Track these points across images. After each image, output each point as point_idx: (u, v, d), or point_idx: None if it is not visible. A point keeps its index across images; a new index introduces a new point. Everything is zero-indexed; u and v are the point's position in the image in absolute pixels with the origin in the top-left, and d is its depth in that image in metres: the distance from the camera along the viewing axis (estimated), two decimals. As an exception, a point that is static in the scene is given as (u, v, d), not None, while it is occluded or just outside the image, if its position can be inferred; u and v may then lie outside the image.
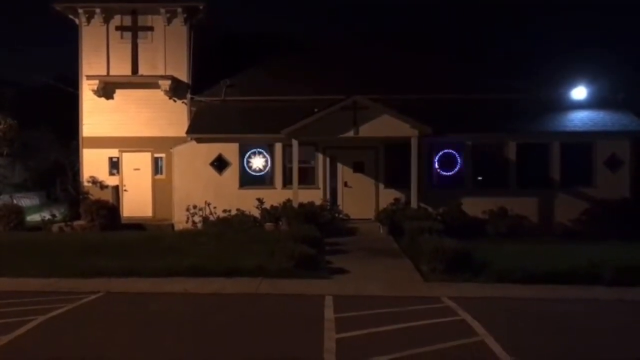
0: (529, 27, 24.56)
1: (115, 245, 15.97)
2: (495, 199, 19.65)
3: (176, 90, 22.04)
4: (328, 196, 20.55)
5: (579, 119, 20.91)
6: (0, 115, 26.10)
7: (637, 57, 25.56)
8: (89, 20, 22.17)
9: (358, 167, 20.84)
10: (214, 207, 20.18)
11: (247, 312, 10.21)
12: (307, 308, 10.39)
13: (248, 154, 20.97)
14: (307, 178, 20.59)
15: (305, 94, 21.19)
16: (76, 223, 20.51)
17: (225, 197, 20.32)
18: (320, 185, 20.68)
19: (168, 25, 22.21)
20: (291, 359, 7.71)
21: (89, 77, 21.95)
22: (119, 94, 22.23)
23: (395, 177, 20.33)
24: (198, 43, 22.54)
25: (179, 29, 22.23)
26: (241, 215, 19.60)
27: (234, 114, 21.47)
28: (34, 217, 22.35)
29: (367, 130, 19.15)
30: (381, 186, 20.62)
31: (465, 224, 18.30)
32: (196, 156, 20.74)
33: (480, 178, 20.50)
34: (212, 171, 20.70)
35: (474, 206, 19.42)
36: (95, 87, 21.90)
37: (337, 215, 19.77)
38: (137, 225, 20.45)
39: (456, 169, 20.67)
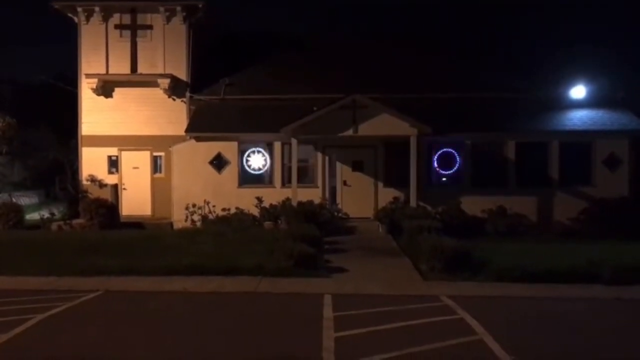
0: (528, 26, 24.55)
1: (114, 244, 15.97)
2: (494, 197, 19.67)
3: (175, 88, 22.04)
4: (327, 195, 20.56)
5: (578, 118, 20.92)
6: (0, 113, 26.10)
7: (637, 57, 25.61)
8: (88, 19, 22.15)
9: (357, 166, 20.84)
10: (213, 206, 20.18)
11: (246, 310, 10.21)
12: (306, 307, 10.39)
13: (247, 152, 20.97)
14: (306, 177, 20.62)
15: (304, 92, 21.18)
16: (75, 222, 20.52)
17: (224, 195, 20.32)
18: (320, 184, 20.68)
19: (167, 23, 22.19)
20: (290, 357, 7.71)
21: (88, 76, 21.94)
22: (118, 92, 22.22)
23: (395, 176, 20.34)
24: (197, 42, 22.53)
25: (178, 28, 22.22)
26: (240, 214, 19.60)
27: (233, 113, 21.46)
28: (33, 216, 22.36)
29: (367, 129, 19.15)
30: (380, 185, 20.62)
31: (465, 223, 18.31)
32: (195, 155, 20.74)
33: (479, 177, 20.48)
34: (211, 170, 20.70)
35: (473, 205, 19.43)
36: (94, 86, 21.89)
37: (336, 214, 19.78)
38: (136, 224, 20.47)
39: (455, 168, 20.67)
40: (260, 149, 20.99)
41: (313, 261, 13.52)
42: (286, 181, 20.38)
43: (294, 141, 19.34)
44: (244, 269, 12.93)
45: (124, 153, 22.24)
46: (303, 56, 23.53)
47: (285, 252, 13.38)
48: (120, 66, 22.16)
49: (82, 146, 22.34)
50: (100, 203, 20.19)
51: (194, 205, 20.24)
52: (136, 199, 22.05)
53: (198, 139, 20.76)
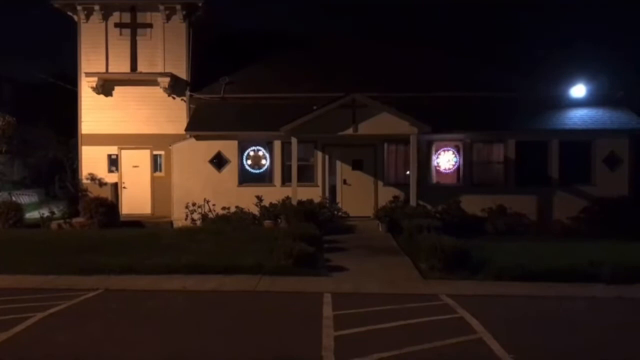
0: (528, 25, 24.53)
1: (114, 243, 15.98)
2: (494, 196, 19.67)
3: (175, 87, 22.03)
4: (327, 194, 20.55)
5: (578, 117, 20.91)
6: (-1, 112, 26.08)
7: (637, 55, 25.58)
8: (87, 17, 22.13)
9: (357, 165, 20.83)
10: (213, 205, 20.18)
11: (246, 309, 10.22)
12: (305, 305, 10.40)
13: (247, 151, 20.97)
14: (306, 175, 20.58)
15: (304, 91, 21.17)
16: (75, 220, 20.52)
17: (224, 194, 20.33)
18: (320, 182, 20.68)
19: (167, 22, 22.18)
20: (289, 356, 7.71)
21: (87, 74, 21.93)
22: (117, 91, 22.21)
23: (395, 175, 20.33)
24: (197, 40, 22.52)
25: (178, 26, 22.21)
26: (240, 213, 19.61)
27: (233, 112, 21.45)
28: (33, 214, 22.34)
29: (367, 127, 19.15)
30: (380, 184, 20.62)
31: (464, 222, 18.34)
32: (195, 153, 20.73)
33: (479, 176, 20.47)
34: (211, 168, 20.70)
35: (473, 204, 19.45)
36: (94, 84, 21.88)
37: (336, 212, 19.77)
38: (136, 223, 20.47)
39: (455, 167, 20.67)
40: (260, 148, 20.98)
41: (313, 260, 13.53)
42: (286, 180, 20.37)
43: (294, 140, 19.33)
44: (244, 267, 12.94)
45: (123, 152, 22.23)
46: (303, 55, 23.51)
47: (285, 250, 13.39)
48: (120, 65, 22.15)
49: (82, 145, 22.32)
50: (100, 202, 20.20)
51: (194, 204, 20.24)
52: (136, 197, 22.05)
53: (198, 138, 20.76)
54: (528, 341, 8.37)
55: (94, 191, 21.54)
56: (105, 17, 22.15)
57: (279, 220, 19.04)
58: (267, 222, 19.27)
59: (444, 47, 23.45)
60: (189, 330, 8.80)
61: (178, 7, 21.94)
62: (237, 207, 19.84)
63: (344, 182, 20.83)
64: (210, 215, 19.94)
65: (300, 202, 18.93)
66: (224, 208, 19.88)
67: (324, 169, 20.75)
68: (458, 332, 8.63)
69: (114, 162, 22.29)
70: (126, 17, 22.29)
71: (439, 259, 12.97)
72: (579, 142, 20.30)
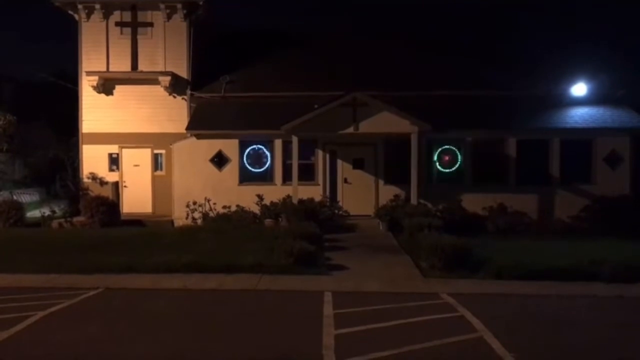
0: (529, 24, 24.49)
1: (115, 242, 15.99)
2: (494, 195, 19.65)
3: (176, 86, 22.03)
4: (328, 192, 20.56)
5: (579, 116, 20.89)
6: (0, 111, 26.09)
7: (638, 54, 25.55)
8: (88, 16, 22.13)
9: (358, 164, 20.84)
10: (214, 204, 20.19)
11: (247, 308, 10.22)
12: (306, 304, 10.40)
13: (248, 150, 20.97)
14: (307, 174, 20.57)
15: (305, 90, 21.14)
16: (76, 219, 20.53)
17: (225, 193, 20.34)
18: (320, 181, 20.68)
19: (168, 21, 22.17)
20: (290, 355, 7.71)
21: (88, 73, 21.93)
22: (118, 90, 22.21)
23: (395, 174, 20.33)
24: (198, 39, 22.51)
25: (179, 25, 22.20)
26: (241, 212, 19.61)
27: (233, 110, 21.46)
28: (33, 213, 22.36)
29: (367, 126, 19.14)
30: (381, 182, 20.63)
31: (465, 221, 18.31)
32: (196, 152, 20.74)
33: (480, 175, 20.44)
34: (212, 167, 20.70)
35: (474, 203, 19.44)
36: (94, 83, 21.89)
37: (336, 211, 19.78)
38: (137, 222, 20.47)
39: (456, 166, 20.65)
40: (261, 147, 20.98)
41: (313, 259, 13.53)
42: (287, 179, 20.37)
43: (294, 138, 19.33)
44: (245, 266, 12.95)
45: (124, 151, 22.24)
46: (304, 54, 23.49)
47: (285, 249, 13.39)
48: (120, 64, 22.15)
49: (82, 144, 22.33)
50: (101, 201, 20.22)
51: (194, 203, 20.25)
52: (137, 196, 22.06)
53: (199, 137, 20.76)
54: (529, 340, 8.37)
55: (95, 190, 21.55)
56: (106, 16, 22.15)
57: (280, 219, 19.04)
58: (267, 221, 19.27)
59: (445, 46, 23.44)
60: (190, 329, 8.80)
61: (179, 6, 21.94)
62: (237, 205, 19.84)
63: (345, 180, 20.84)
64: (211, 214, 19.95)
65: (300, 201, 18.94)
66: (224, 207, 19.89)
67: (324, 168, 20.75)
68: (459, 331, 8.63)
69: (114, 161, 22.30)
70: (127, 16, 22.29)
71: (439, 257, 12.97)
72: (580, 140, 20.27)
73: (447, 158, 20.67)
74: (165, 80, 21.75)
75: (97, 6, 21.92)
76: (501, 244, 15.60)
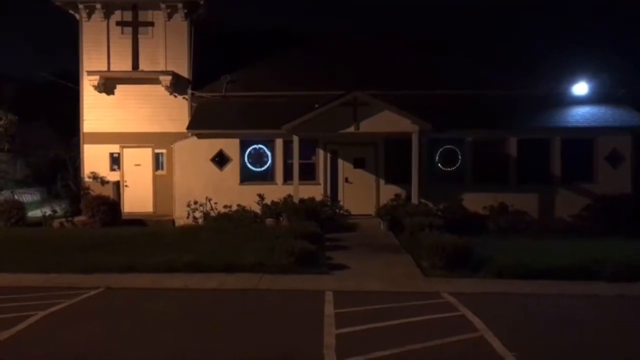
0: (530, 23, 24.47)
1: (116, 241, 15.99)
2: (495, 194, 19.65)
3: (177, 85, 22.04)
4: (329, 192, 20.56)
5: (580, 115, 20.87)
6: (1, 111, 26.12)
7: (638, 53, 25.50)
8: (89, 16, 22.14)
9: (359, 163, 20.84)
10: (215, 203, 20.19)
11: (247, 307, 10.22)
12: (307, 304, 10.40)
13: (249, 149, 20.97)
14: (307, 174, 20.58)
15: (305, 89, 21.14)
16: (77, 219, 20.55)
17: (226, 192, 20.34)
18: (321, 181, 20.69)
19: (168, 20, 22.18)
20: (291, 354, 7.70)
21: (89, 73, 21.95)
22: (119, 89, 22.22)
23: (396, 173, 20.33)
24: (198, 39, 22.52)
25: (180, 25, 22.21)
26: (242, 211, 19.62)
27: (234, 110, 21.46)
28: (35, 213, 22.37)
29: (368, 126, 19.13)
30: (382, 182, 20.62)
31: (466, 220, 18.30)
32: (197, 152, 20.75)
33: (481, 174, 20.42)
34: (213, 167, 20.71)
35: (475, 202, 19.44)
36: (95, 83, 21.90)
37: (337, 211, 19.79)
38: (138, 221, 20.48)
39: (457, 165, 20.64)
40: (262, 146, 20.99)
41: (314, 258, 13.52)
42: (288, 178, 20.37)
43: (295, 138, 19.33)
44: (245, 266, 12.95)
45: (125, 150, 22.24)
46: (304, 53, 23.50)
47: (286, 249, 13.38)
48: (121, 63, 22.15)
49: (83, 143, 22.34)
50: (102, 200, 20.24)
51: (195, 202, 20.26)
52: (138, 196, 22.06)
53: (200, 136, 20.77)
54: (529, 339, 8.36)
55: (96, 190, 21.58)
56: (107, 16, 22.16)
57: (281, 219, 19.04)
58: (268, 220, 19.27)
59: (446, 45, 23.45)
60: (191, 329, 8.80)
61: (179, 5, 21.95)
62: (238, 205, 19.85)
63: (346, 180, 20.84)
64: (212, 214, 19.96)
65: (301, 201, 18.94)
66: (225, 206, 19.90)
67: (325, 167, 20.76)
68: (459, 330, 8.62)
69: (115, 161, 22.31)
70: (128, 16, 22.30)
71: (440, 257, 12.96)
72: (581, 139, 20.26)
73: (448, 157, 20.64)
74: (166, 79, 21.76)
75: (98, 6, 21.93)
76: (502, 243, 15.59)
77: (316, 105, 19.38)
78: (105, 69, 22.09)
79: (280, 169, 20.75)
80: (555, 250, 14.42)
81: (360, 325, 8.80)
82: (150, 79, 21.91)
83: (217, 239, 15.91)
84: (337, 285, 11.77)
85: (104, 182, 21.91)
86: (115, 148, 22.22)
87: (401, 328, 8.83)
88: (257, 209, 19.83)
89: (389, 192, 20.28)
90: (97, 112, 22.17)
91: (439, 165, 20.69)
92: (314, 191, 19.88)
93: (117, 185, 21.70)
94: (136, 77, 22.05)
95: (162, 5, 21.97)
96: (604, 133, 20.20)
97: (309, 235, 14.62)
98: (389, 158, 20.69)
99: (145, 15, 22.32)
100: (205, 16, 22.94)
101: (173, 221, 20.61)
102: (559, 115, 20.88)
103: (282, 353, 7.73)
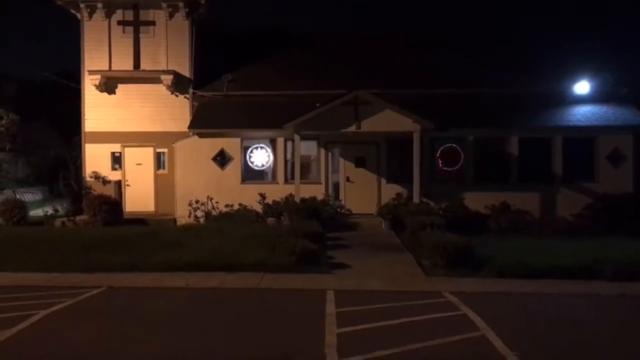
0: (531, 22, 24.49)
1: (118, 240, 15.99)
2: (497, 193, 19.63)
3: (178, 85, 22.04)
4: (330, 191, 20.57)
5: (582, 114, 20.85)
6: (3, 110, 26.14)
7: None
8: (90, 15, 22.14)
9: (360, 162, 20.83)
10: (216, 202, 20.20)
11: (249, 306, 10.22)
12: (308, 303, 10.41)
13: (250, 148, 20.98)
14: (309, 173, 20.63)
15: (307, 88, 21.13)
16: (79, 218, 20.57)
17: (227, 192, 20.35)
18: (323, 180, 20.68)
19: (170, 19, 22.18)
20: (292, 353, 7.71)
21: (90, 72, 21.95)
22: (121, 88, 22.22)
23: (397, 172, 20.33)
24: (200, 38, 22.52)
25: (181, 24, 22.21)
26: (243, 210, 19.63)
27: (235, 109, 21.45)
28: (36, 212, 22.41)
29: (369, 125, 19.12)
30: (383, 181, 20.62)
31: (467, 219, 18.28)
32: (198, 151, 20.76)
33: (482, 173, 20.41)
34: (214, 166, 20.72)
35: (476, 201, 19.43)
36: (97, 82, 21.90)
37: (339, 210, 19.78)
38: (140, 220, 20.47)
39: (458, 164, 20.62)
40: (263, 145, 20.99)
41: (315, 257, 13.52)
42: (289, 177, 20.39)
43: (296, 137, 19.33)
44: (247, 265, 12.96)
45: (127, 149, 22.24)
46: (305, 52, 23.49)
47: (287, 248, 13.39)
48: (123, 62, 22.15)
49: (85, 142, 22.34)
50: (103, 199, 20.25)
51: (197, 202, 20.27)
52: (139, 195, 22.06)
53: (201, 135, 20.77)
54: (531, 338, 8.36)
55: (98, 189, 21.58)
56: (108, 15, 22.16)
57: (282, 218, 19.05)
58: (270, 220, 19.26)
59: (447, 44, 23.44)
60: (192, 328, 8.81)
61: (181, 4, 21.94)
62: (240, 204, 19.86)
63: (347, 179, 20.83)
64: (214, 213, 19.97)
65: (303, 200, 18.94)
66: (227, 205, 19.91)
67: (327, 167, 20.76)
68: (461, 330, 8.62)
69: (117, 160, 22.30)
70: (129, 15, 22.29)
71: (441, 256, 12.95)
72: (583, 138, 20.24)
73: (449, 156, 20.63)
74: (168, 79, 21.76)
75: (100, 5, 21.92)
76: (503, 242, 15.56)
77: (317, 105, 19.36)
78: (107, 68, 22.09)
79: (281, 168, 20.75)
80: (557, 249, 14.40)
81: (361, 325, 8.81)
82: (151, 78, 21.91)
83: (219, 238, 15.89)
84: (339, 284, 11.78)
85: (105, 181, 21.91)
86: (116, 147, 22.22)
87: (402, 327, 8.83)
88: (258, 208, 19.84)
89: (390, 191, 20.27)
90: (99, 111, 22.17)
91: (440, 164, 20.67)
92: (316, 190, 19.89)
93: (118, 184, 21.71)
94: (137, 76, 22.05)
95: (164, 5, 21.96)
96: (605, 132, 20.17)
97: (311, 235, 14.62)
98: (390, 157, 20.70)
99: (146, 15, 22.32)
100: (207, 15, 22.94)
101: (174, 220, 20.62)
102: (560, 114, 20.86)
103: (284, 352, 7.73)
